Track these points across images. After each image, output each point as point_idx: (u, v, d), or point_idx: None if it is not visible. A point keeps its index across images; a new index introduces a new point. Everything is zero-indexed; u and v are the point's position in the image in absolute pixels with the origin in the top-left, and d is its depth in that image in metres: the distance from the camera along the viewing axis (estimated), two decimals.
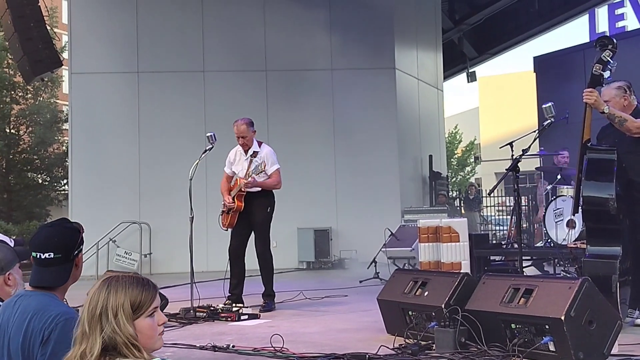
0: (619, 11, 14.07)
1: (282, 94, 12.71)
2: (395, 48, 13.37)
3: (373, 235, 9.95)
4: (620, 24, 13.87)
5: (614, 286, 4.24)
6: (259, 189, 6.22)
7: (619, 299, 4.24)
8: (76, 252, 2.25)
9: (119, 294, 1.73)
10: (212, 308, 5.80)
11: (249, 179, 6.05)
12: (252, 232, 6.35)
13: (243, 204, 6.20)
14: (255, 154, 6.25)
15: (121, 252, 11.78)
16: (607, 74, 4.57)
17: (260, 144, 6.40)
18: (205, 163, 6.55)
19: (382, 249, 9.16)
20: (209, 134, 6.27)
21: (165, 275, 10.34)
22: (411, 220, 10.94)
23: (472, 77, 20.37)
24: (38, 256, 2.19)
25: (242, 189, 6.15)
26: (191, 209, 6.09)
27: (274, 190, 6.38)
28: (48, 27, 8.95)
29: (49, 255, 2.17)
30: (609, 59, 4.54)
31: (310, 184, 12.39)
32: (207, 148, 6.25)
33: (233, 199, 6.21)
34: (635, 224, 4.63)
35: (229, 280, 6.36)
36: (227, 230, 6.37)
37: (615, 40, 4.61)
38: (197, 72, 12.65)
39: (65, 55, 15.69)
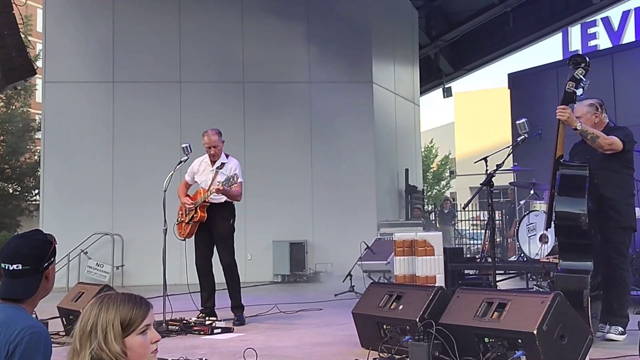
0: (591, 30, 14.34)
1: (259, 105, 12.70)
2: (372, 62, 13.46)
3: (349, 249, 9.94)
4: (592, 42, 14.13)
5: (586, 301, 4.28)
6: (223, 200, 6.16)
7: (590, 314, 4.28)
8: (46, 264, 2.19)
9: (110, 312, 1.77)
10: (184, 321, 5.74)
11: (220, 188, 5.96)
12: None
13: (206, 215, 6.15)
14: (222, 165, 6.21)
15: (93, 264, 11.61)
16: (579, 92, 4.65)
17: (227, 155, 6.37)
18: (180, 174, 6.50)
19: (358, 262, 9.16)
20: (184, 145, 6.24)
21: (138, 287, 10.21)
22: (387, 234, 10.97)
23: (448, 93, 20.59)
24: (6, 267, 2.15)
25: (207, 200, 6.08)
26: (165, 220, 6.04)
27: (234, 203, 6.34)
28: (22, 35, 8.84)
29: (16, 266, 2.13)
30: (582, 77, 4.61)
31: (286, 196, 12.36)
32: (182, 159, 6.21)
33: (195, 209, 6.14)
34: (606, 239, 4.69)
35: (199, 293, 6.32)
36: (184, 240, 6.29)
37: (588, 59, 4.68)
38: (173, 82, 12.58)
39: (39, 63, 15.53)
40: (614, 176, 4.74)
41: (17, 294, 2.13)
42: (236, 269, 6.28)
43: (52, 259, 2.23)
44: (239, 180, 6.02)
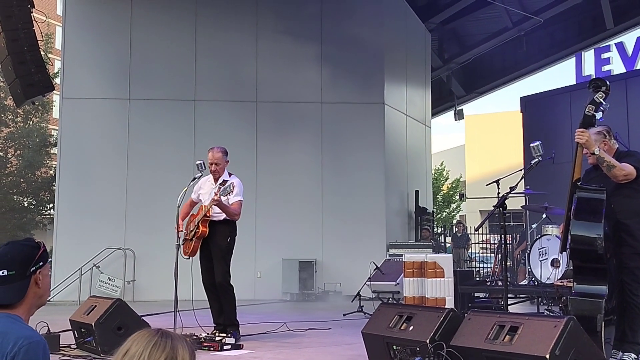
0: (605, 55, 14.38)
1: (272, 125, 12.80)
2: (384, 84, 13.54)
3: (358, 269, 9.94)
4: (606, 67, 14.16)
5: (599, 325, 4.25)
6: (222, 217, 6.15)
7: (603, 338, 4.25)
8: (33, 268, 2.13)
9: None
10: (194, 337, 5.74)
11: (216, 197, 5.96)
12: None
13: (207, 230, 6.15)
14: (224, 182, 6.24)
15: (104, 278, 11.65)
16: (599, 115, 4.64)
17: (230, 174, 6.40)
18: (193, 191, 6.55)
19: (367, 283, 9.15)
20: (198, 162, 6.28)
21: (149, 302, 10.24)
22: (396, 255, 10.95)
23: (459, 115, 20.62)
24: None
25: (208, 213, 6.10)
26: (178, 236, 6.07)
27: (236, 222, 6.31)
28: (42, 52, 8.98)
29: (2, 272, 2.08)
30: (602, 101, 4.59)
31: (296, 215, 12.40)
32: (196, 176, 6.26)
33: (197, 224, 6.15)
34: (621, 264, 4.65)
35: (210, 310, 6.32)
36: (188, 258, 6.23)
37: (608, 83, 4.67)
38: (188, 100, 12.72)
39: (57, 80, 15.74)
40: (628, 201, 4.71)
41: (3, 299, 2.08)
42: (229, 288, 6.20)
43: (41, 263, 2.17)
44: (239, 197, 6.04)
